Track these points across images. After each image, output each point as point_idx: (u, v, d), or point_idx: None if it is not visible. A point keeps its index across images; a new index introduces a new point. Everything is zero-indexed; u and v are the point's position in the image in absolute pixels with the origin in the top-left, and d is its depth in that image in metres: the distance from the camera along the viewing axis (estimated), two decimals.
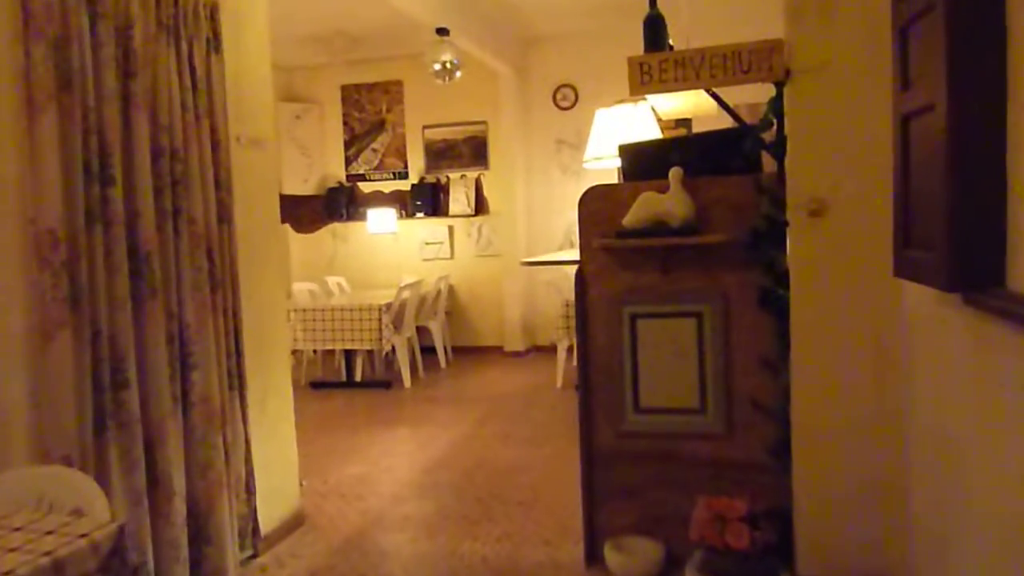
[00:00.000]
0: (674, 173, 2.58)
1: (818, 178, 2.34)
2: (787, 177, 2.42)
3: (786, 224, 2.43)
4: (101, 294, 2.33)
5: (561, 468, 3.97)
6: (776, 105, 2.46)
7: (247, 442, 3.01)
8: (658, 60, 2.49)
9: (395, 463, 4.27)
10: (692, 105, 3.24)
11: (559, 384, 5.92)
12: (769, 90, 2.53)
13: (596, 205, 2.74)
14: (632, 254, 2.71)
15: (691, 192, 2.60)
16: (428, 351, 7.02)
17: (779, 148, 2.47)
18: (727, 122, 2.99)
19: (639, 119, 3.14)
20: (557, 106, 7.45)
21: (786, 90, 2.39)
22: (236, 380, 2.95)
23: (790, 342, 2.46)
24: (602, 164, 3.31)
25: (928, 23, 1.59)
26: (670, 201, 2.58)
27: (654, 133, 3.14)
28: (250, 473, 3.04)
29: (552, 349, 7.30)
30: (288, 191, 7.82)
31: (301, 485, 3.91)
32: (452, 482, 3.89)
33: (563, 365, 5.91)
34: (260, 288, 3.15)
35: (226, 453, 2.83)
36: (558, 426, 4.79)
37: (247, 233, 3.05)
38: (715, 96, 2.69)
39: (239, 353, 2.98)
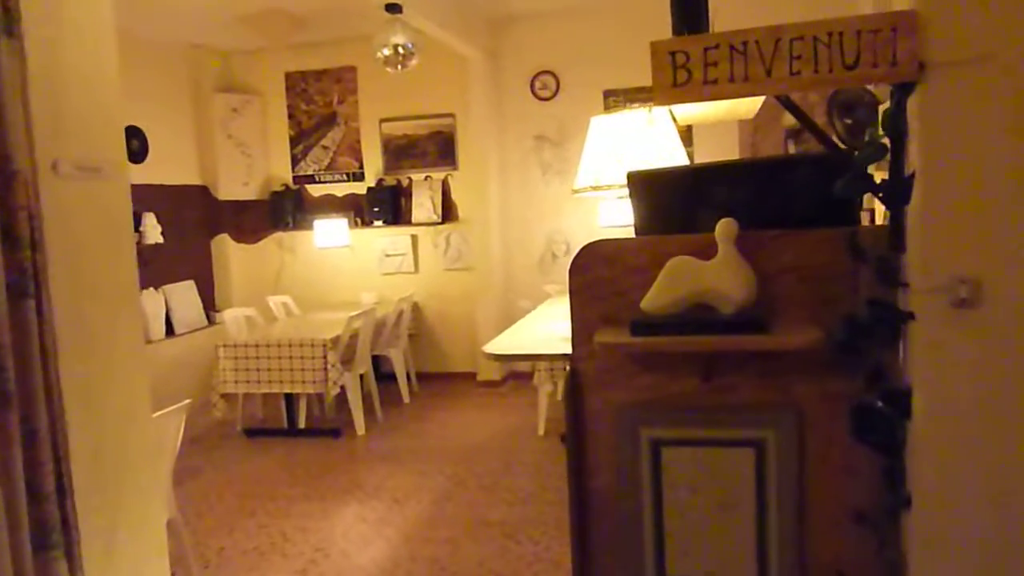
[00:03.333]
0: (725, 228, 1.62)
1: (970, 244, 1.40)
2: (909, 239, 1.48)
3: (908, 316, 1.49)
4: None
5: None
6: (895, 119, 1.50)
7: None
8: (702, 47, 1.51)
9: (328, 570, 3.29)
10: (726, 108, 2.28)
11: (542, 431, 4.97)
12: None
13: (598, 272, 1.77)
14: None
15: (749, 255, 1.64)
16: (389, 378, 6.04)
17: (897, 189, 1.52)
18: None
19: (655, 132, 2.16)
20: (536, 96, 6.45)
21: (917, 96, 1.43)
22: (55, 534, 1.96)
23: (904, 492, 1.55)
24: (598, 194, 2.36)
25: None
26: (718, 273, 1.61)
27: (677, 154, 2.17)
28: None
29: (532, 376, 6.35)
30: (226, 196, 6.78)
31: None
32: None
33: (545, 409, 4.96)
34: (102, 385, 2.14)
35: None
36: (544, 502, 3.84)
37: (76, 305, 2.04)
38: (788, 102, 1.73)
39: (62, 492, 1.99)
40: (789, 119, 6.19)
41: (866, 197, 1.73)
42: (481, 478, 4.29)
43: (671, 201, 1.86)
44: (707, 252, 1.67)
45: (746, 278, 1.61)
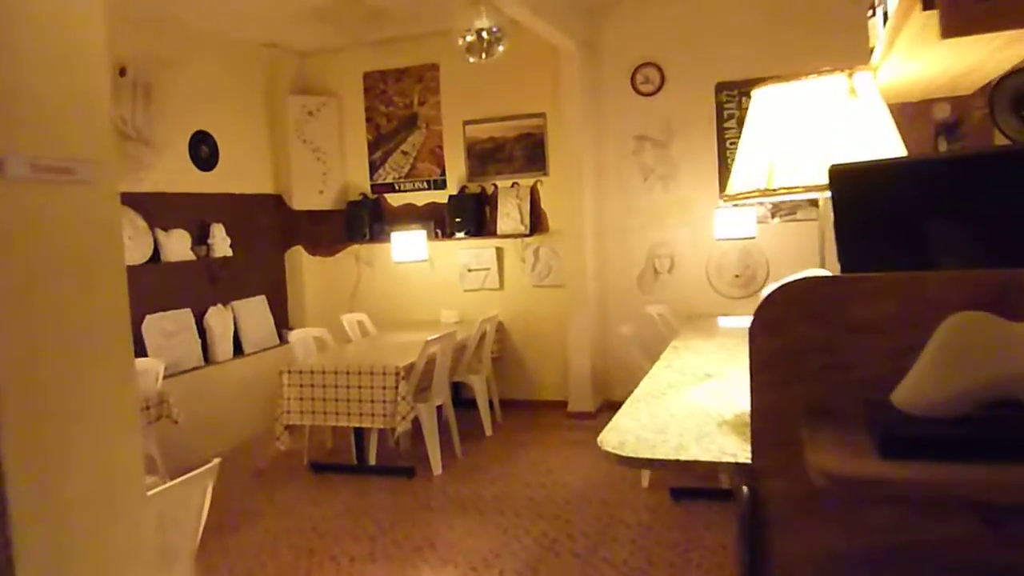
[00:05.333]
0: None
1: None
2: None
3: None
4: None
5: None
6: None
7: None
8: None
9: None
10: (957, 71, 1.52)
11: (646, 482, 4.23)
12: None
13: (801, 332, 1.05)
14: None
15: None
16: (470, 404, 5.43)
17: None
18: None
19: (857, 107, 1.43)
20: (637, 91, 5.72)
21: None
22: None
23: None
24: (768, 200, 1.61)
25: None
26: None
27: (889, 141, 1.43)
28: None
29: None
30: (300, 205, 6.35)
31: None
32: None
33: None
34: (64, 462, 1.57)
35: None
36: None
37: (26, 355, 1.47)
38: None
39: None
40: (941, 110, 5.23)
41: None
42: (575, 542, 3.59)
43: (918, 212, 1.13)
44: (1014, 304, 0.93)
45: None
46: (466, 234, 6.02)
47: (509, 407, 5.90)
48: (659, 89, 5.66)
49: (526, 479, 4.49)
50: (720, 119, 5.53)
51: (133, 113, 4.85)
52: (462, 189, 6.13)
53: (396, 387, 4.36)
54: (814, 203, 5.36)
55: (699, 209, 5.60)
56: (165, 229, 5.12)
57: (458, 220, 6.01)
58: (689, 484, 4.12)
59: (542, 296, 6.02)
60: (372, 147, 6.41)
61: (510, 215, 5.96)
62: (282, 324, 6.32)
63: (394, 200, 6.39)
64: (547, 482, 4.43)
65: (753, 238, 5.14)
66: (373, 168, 6.42)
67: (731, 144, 5.51)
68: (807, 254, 5.41)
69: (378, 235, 6.28)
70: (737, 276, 5.55)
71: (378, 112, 6.36)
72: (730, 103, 5.50)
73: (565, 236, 5.78)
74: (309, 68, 6.47)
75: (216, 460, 2.37)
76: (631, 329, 4.48)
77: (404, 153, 6.32)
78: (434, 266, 6.25)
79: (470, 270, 6.17)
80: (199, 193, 5.52)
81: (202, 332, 5.45)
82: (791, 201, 5.49)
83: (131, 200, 4.91)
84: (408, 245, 5.77)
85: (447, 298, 6.21)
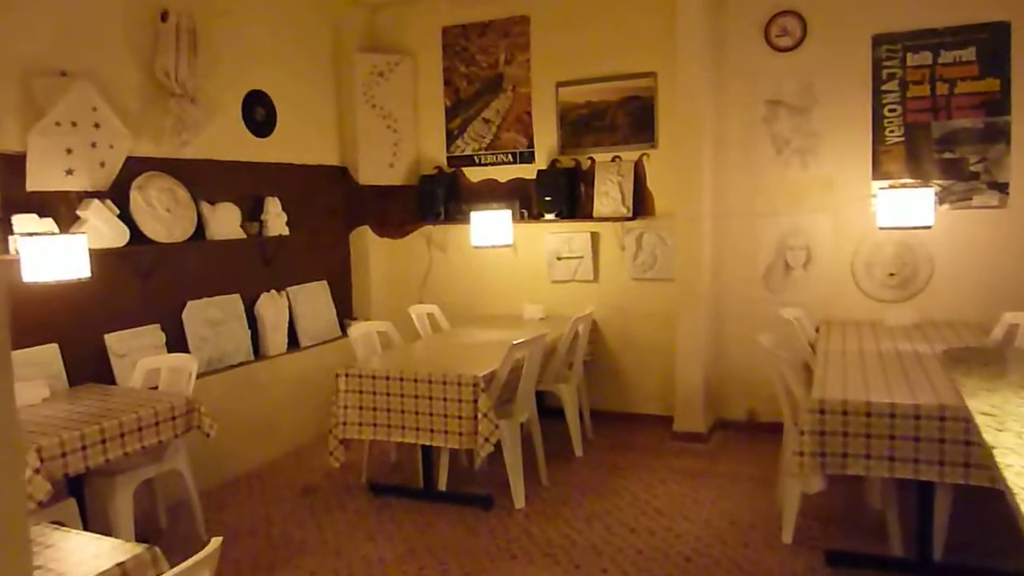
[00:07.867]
0: None
1: None
2: None
3: None
4: None
5: None
6: None
7: None
8: None
9: None
10: None
11: (789, 536, 3.29)
12: None
13: None
14: None
15: None
16: (554, 414, 4.59)
17: None
18: None
19: None
20: (772, 46, 4.70)
21: None
22: None
23: None
24: None
25: None
26: None
27: None
28: None
29: (754, 428, 4.67)
30: (367, 180, 5.58)
31: None
32: None
33: (797, 504, 3.27)
34: None
35: None
36: None
37: None
38: None
39: None
40: None
41: None
42: None
43: None
44: None
45: None
46: (556, 216, 5.14)
47: (601, 420, 5.02)
48: (800, 43, 4.63)
49: (630, 522, 3.61)
50: (877, 80, 4.46)
51: (176, 65, 4.14)
52: (553, 163, 5.24)
53: (474, 401, 3.54)
54: (998, 186, 4.26)
55: (846, 191, 4.57)
56: (212, 202, 4.42)
57: (547, 199, 5.13)
58: (849, 546, 3.17)
59: (644, 291, 5.10)
60: (450, 114, 5.58)
61: (609, 194, 5.05)
62: (344, 314, 5.59)
63: (473, 175, 5.56)
64: (657, 528, 3.53)
65: (929, 228, 4.07)
66: (450, 138, 5.60)
67: (890, 111, 4.44)
68: (987, 250, 4.32)
69: (454, 215, 5.47)
70: (892, 275, 4.50)
71: (457, 73, 5.53)
72: (891, 60, 4.42)
73: (675, 221, 4.83)
74: (380, 22, 5.68)
75: (216, 541, 1.59)
76: (769, 339, 3.52)
77: (486, 121, 5.47)
78: (518, 252, 5.40)
79: (560, 258, 5.29)
80: (252, 162, 4.80)
81: (252, 321, 4.76)
82: (967, 183, 4.42)
83: (172, 167, 4.23)
84: (489, 227, 4.92)
85: (532, 290, 5.36)
